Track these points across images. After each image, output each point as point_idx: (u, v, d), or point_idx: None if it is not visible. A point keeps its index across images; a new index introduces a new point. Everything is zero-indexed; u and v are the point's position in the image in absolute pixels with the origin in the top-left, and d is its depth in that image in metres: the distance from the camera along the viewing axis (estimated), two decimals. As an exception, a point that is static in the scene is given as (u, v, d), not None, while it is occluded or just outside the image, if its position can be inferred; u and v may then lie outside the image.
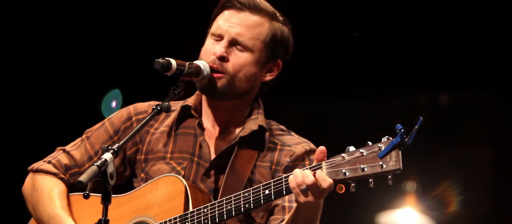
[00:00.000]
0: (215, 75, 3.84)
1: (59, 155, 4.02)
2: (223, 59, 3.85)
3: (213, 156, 3.90)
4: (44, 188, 3.94)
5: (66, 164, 4.00)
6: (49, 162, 4.00)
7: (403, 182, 6.70)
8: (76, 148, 4.03)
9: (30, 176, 4.03)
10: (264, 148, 3.91)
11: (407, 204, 6.78)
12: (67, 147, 4.05)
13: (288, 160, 3.89)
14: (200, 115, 3.97)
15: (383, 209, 6.86)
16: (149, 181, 3.84)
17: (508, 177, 6.61)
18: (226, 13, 3.93)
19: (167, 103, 3.59)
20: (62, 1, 6.73)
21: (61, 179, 3.98)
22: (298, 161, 3.90)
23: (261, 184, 3.57)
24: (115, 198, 3.69)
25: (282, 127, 4.05)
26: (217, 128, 3.96)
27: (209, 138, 3.95)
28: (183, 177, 3.81)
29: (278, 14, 3.98)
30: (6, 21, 6.74)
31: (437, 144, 6.68)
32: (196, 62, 3.81)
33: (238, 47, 3.87)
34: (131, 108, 4.05)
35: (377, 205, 6.81)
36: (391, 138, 3.32)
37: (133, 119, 4.00)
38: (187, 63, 3.73)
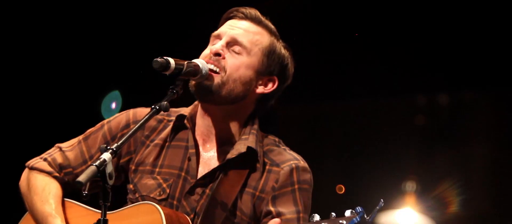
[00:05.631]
0: (211, 73, 3.83)
1: (55, 153, 4.04)
2: (219, 55, 3.85)
3: (199, 172, 3.88)
4: (39, 187, 3.95)
5: (61, 163, 4.01)
6: (45, 159, 4.02)
7: (403, 182, 6.69)
8: (71, 149, 4.04)
9: (25, 172, 4.05)
10: (254, 169, 3.86)
11: (406, 204, 6.76)
12: (64, 146, 4.06)
13: (275, 186, 3.84)
14: (194, 125, 3.95)
15: (383, 209, 6.84)
16: (131, 205, 3.83)
17: (508, 177, 6.60)
18: (229, 21, 3.98)
19: (165, 102, 3.58)
20: (62, 1, 6.73)
21: (55, 177, 3.99)
22: (284, 187, 3.84)
23: None
24: (96, 214, 3.71)
25: (277, 141, 4.00)
26: (208, 142, 3.93)
27: (199, 152, 3.93)
28: (168, 195, 3.83)
29: (279, 37, 4.01)
30: (6, 21, 6.74)
31: (437, 144, 6.67)
32: (195, 60, 3.81)
33: (236, 48, 3.88)
34: (130, 114, 4.05)
35: (377, 205, 6.78)
36: (354, 212, 3.34)
37: (131, 127, 3.96)
38: (185, 62, 3.72)
